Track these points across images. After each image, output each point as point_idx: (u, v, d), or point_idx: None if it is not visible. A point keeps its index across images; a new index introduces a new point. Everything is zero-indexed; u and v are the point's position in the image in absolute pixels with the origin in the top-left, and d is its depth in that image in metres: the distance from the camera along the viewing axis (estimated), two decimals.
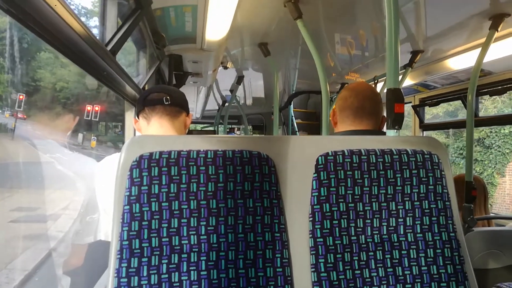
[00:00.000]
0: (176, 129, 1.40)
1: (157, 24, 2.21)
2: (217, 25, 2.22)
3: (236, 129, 7.12)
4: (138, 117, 1.44)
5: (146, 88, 2.38)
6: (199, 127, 8.00)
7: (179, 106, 1.41)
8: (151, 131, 1.38)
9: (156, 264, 0.91)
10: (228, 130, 6.31)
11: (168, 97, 1.38)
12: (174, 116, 1.40)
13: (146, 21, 2.07)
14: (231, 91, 4.64)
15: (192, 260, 0.93)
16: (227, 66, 3.74)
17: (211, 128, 7.38)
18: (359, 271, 1.01)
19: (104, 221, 1.47)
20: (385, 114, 1.36)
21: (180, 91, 1.48)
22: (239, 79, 4.19)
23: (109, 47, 1.39)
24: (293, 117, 5.28)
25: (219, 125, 6.33)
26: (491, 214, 2.84)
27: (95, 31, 1.57)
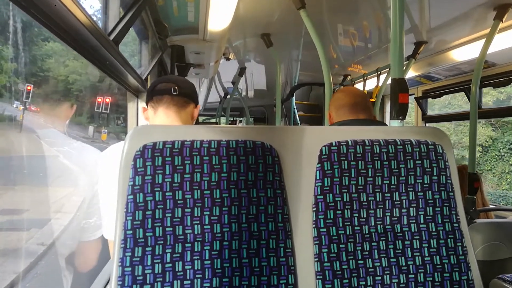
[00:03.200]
0: (183, 120, 1.38)
1: (160, 14, 2.20)
2: (219, 15, 2.20)
3: (238, 121, 7.12)
4: (147, 106, 1.42)
5: (149, 79, 2.37)
6: (201, 119, 7.99)
7: (187, 96, 1.40)
8: (157, 121, 1.37)
9: (160, 253, 0.91)
10: (230, 122, 6.30)
11: (176, 87, 1.37)
12: (181, 106, 1.38)
13: (149, 11, 2.06)
14: (233, 83, 4.62)
15: (196, 250, 0.93)
16: (229, 57, 3.73)
17: (213, 120, 7.37)
18: (362, 261, 1.01)
19: (107, 213, 1.45)
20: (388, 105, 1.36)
21: (190, 82, 1.47)
22: (241, 71, 4.17)
23: (111, 37, 1.38)
24: (295, 109, 5.27)
25: (221, 117, 6.32)
26: (491, 206, 2.85)
27: (98, 21, 1.56)
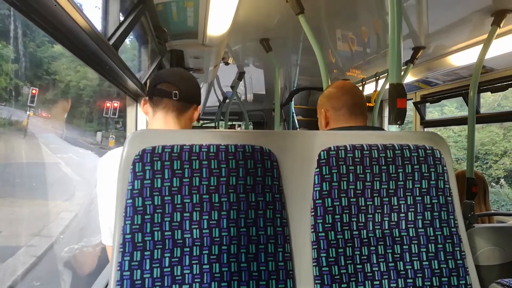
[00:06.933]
0: (181, 125, 1.35)
1: (159, 18, 2.21)
2: (218, 20, 2.21)
3: (237, 125, 7.12)
4: (148, 99, 1.37)
5: (148, 83, 2.37)
6: (200, 123, 7.98)
7: (187, 101, 1.34)
8: (155, 125, 1.34)
9: (159, 257, 0.91)
10: (229, 126, 6.30)
11: (177, 92, 1.31)
12: (180, 111, 1.34)
13: (148, 16, 2.07)
14: (232, 87, 4.63)
15: (194, 254, 0.93)
16: (228, 62, 3.74)
17: (212, 125, 7.37)
18: (360, 266, 1.01)
19: (105, 218, 1.42)
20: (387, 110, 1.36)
21: (193, 79, 1.39)
22: (240, 75, 4.18)
23: (111, 42, 1.39)
24: (294, 114, 5.28)
25: (220, 122, 6.31)
26: (492, 211, 2.85)
27: (98, 25, 1.57)
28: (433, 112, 13.45)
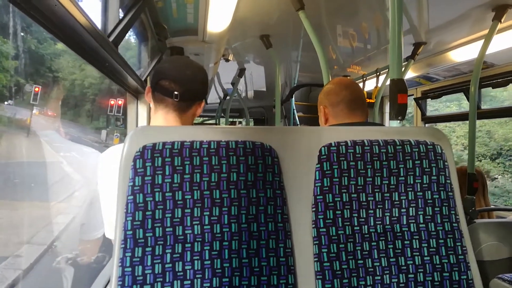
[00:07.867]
0: (183, 123, 1.31)
1: (159, 15, 2.20)
2: (218, 16, 2.21)
3: (237, 122, 7.11)
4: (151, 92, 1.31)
5: (148, 80, 2.36)
6: (200, 120, 7.98)
7: (189, 99, 1.29)
8: (156, 122, 1.33)
9: (160, 253, 0.91)
10: (229, 123, 6.29)
11: (178, 94, 1.25)
12: (181, 111, 1.29)
13: (148, 12, 2.07)
14: (232, 84, 4.63)
15: (195, 250, 0.93)
16: (229, 58, 3.73)
17: (213, 122, 7.36)
18: (362, 261, 1.01)
19: (108, 213, 1.43)
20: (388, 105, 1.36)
21: (198, 74, 1.30)
22: (241, 72, 4.18)
23: (111, 38, 1.39)
24: (295, 110, 5.27)
25: (221, 118, 6.31)
26: (492, 206, 2.85)
27: (97, 22, 1.56)
28: (451, 106, 13.26)
